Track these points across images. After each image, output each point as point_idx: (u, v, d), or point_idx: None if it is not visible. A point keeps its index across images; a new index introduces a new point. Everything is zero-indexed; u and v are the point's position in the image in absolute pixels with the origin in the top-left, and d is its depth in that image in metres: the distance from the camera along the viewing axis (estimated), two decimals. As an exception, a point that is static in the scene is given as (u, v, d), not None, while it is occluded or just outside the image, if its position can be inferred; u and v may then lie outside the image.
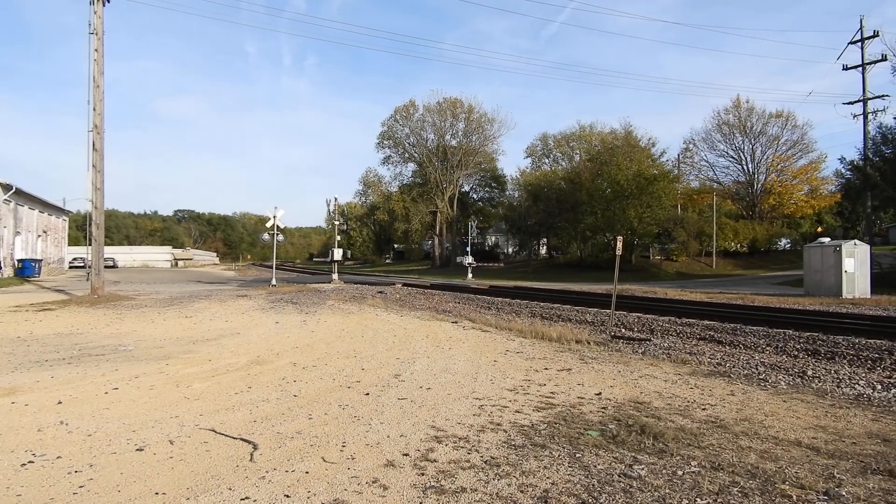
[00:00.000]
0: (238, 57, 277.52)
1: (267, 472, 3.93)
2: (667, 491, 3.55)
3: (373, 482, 3.73)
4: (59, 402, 5.96)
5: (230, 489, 3.62)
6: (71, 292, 22.15)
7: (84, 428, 5.03)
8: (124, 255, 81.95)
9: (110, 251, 62.64)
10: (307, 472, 3.92)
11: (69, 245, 57.74)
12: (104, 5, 19.21)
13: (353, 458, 4.20)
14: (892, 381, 6.98)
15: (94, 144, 18.83)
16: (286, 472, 3.93)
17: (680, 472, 3.87)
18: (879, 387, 6.66)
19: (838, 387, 6.75)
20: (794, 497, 3.44)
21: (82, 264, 58.74)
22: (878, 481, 3.73)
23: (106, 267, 23.85)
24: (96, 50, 18.84)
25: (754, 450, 4.37)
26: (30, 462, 4.15)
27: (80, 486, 3.69)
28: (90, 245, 20.58)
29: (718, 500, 3.40)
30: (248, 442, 4.59)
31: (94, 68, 18.78)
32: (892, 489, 3.59)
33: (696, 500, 3.40)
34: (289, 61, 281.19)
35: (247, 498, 3.48)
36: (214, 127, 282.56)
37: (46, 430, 4.98)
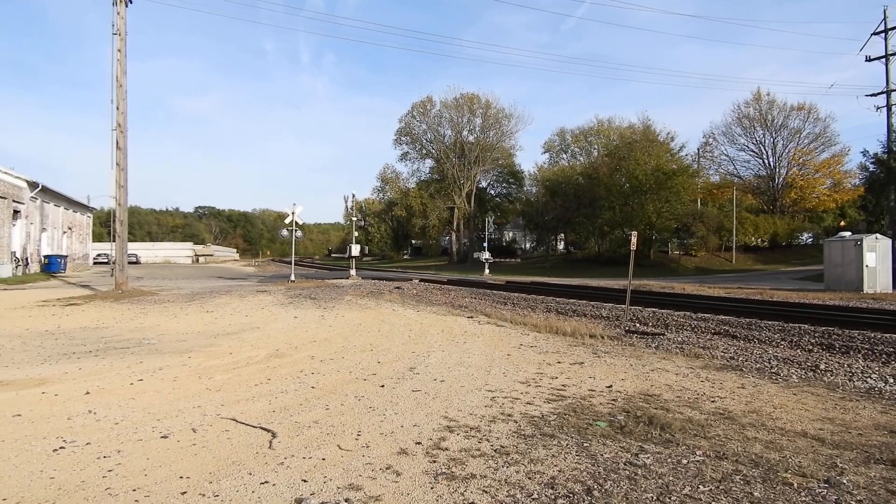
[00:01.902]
0: (257, 55, 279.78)
1: (285, 458, 4.10)
2: (671, 478, 3.65)
3: (386, 468, 3.88)
4: (87, 393, 6.19)
5: (250, 474, 3.79)
6: (96, 287, 22.67)
7: (111, 417, 5.24)
8: (146, 251, 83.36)
9: (133, 247, 63.75)
10: (324, 459, 4.08)
11: (93, 241, 58.84)
12: (126, 6, 19.58)
13: (367, 447, 4.35)
14: (905, 375, 6.98)
15: (117, 143, 19.23)
16: (304, 458, 4.10)
17: (684, 461, 3.97)
18: (892, 380, 6.68)
19: (850, 380, 6.78)
20: (795, 484, 3.53)
21: (106, 260, 59.83)
22: (880, 470, 3.80)
23: (129, 263, 24.35)
24: (119, 50, 19.22)
25: (760, 440, 4.45)
26: (61, 448, 4.36)
27: (109, 471, 3.88)
28: (114, 241, 21.03)
29: (720, 488, 3.50)
30: (268, 430, 4.77)
31: (118, 68, 19.16)
32: (893, 478, 3.66)
33: (698, 487, 3.50)
34: (307, 59, 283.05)
35: (266, 482, 3.65)
36: (234, 124, 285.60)
37: (75, 418, 5.20)
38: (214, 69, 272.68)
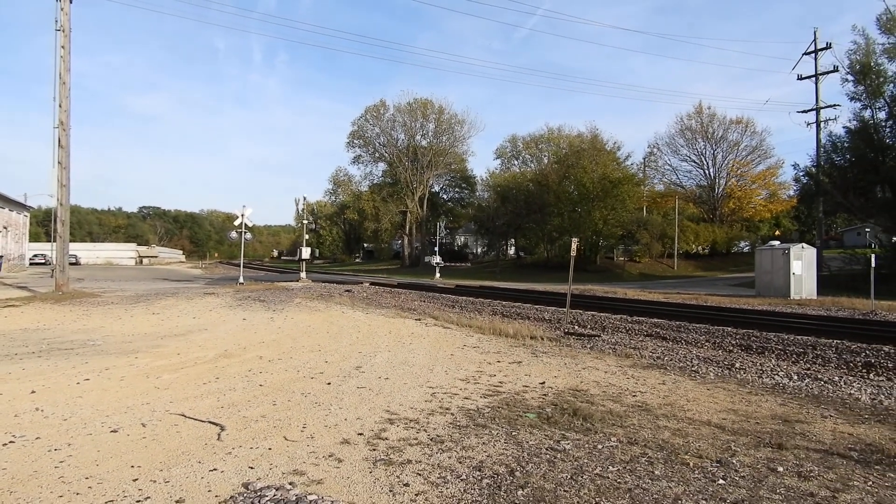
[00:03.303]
0: (208, 53, 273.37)
1: (233, 448, 4.36)
2: (585, 461, 4.09)
3: (329, 456, 4.19)
4: (33, 392, 6.25)
5: (200, 462, 4.04)
6: (34, 289, 21.99)
7: (59, 414, 5.36)
8: (87, 252, 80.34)
9: (73, 248, 61.42)
10: (270, 449, 4.36)
11: (30, 241, 56.50)
12: (70, 2, 19.17)
13: (312, 438, 4.65)
14: (808, 372, 7.70)
15: (59, 141, 18.78)
16: (251, 448, 4.36)
17: (600, 447, 4.43)
18: (796, 377, 7.36)
19: (760, 377, 7.43)
20: (692, 464, 4.02)
21: (43, 261, 57.57)
22: (766, 452, 4.35)
23: (69, 264, 23.69)
24: (63, 46, 18.79)
25: (669, 428, 4.95)
26: (10, 442, 4.49)
27: (61, 462, 4.06)
28: (54, 242, 20.48)
29: (627, 467, 3.96)
30: (216, 424, 5.00)
31: (61, 65, 18.73)
32: (775, 458, 4.20)
33: (608, 468, 3.95)
34: (259, 58, 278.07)
35: (215, 469, 3.91)
36: (182, 123, 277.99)
37: (23, 415, 5.30)
38: (162, 66, 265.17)
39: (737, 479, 3.78)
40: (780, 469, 3.97)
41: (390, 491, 3.56)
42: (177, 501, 3.38)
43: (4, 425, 4.95)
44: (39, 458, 4.14)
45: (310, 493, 3.49)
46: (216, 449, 4.35)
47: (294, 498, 3.41)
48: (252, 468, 3.94)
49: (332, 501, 3.38)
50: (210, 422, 5.08)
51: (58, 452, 4.26)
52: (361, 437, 4.67)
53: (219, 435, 4.69)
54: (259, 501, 3.36)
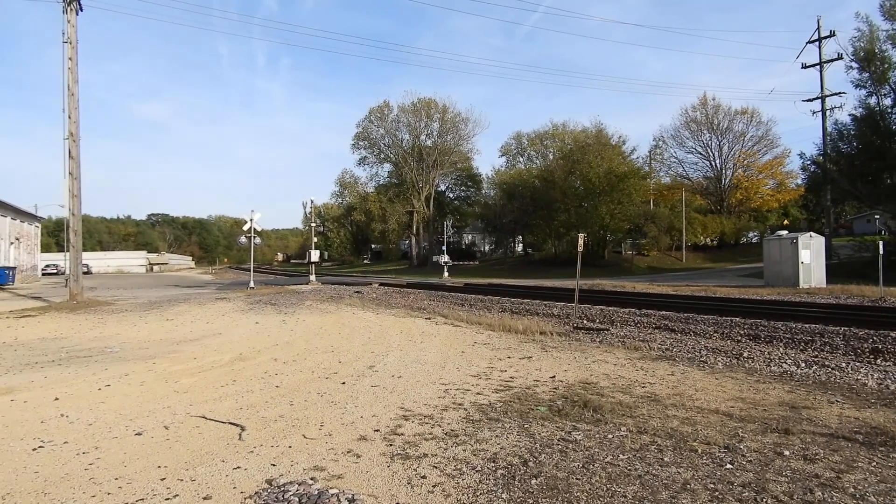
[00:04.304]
0: (211, 59, 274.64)
1: (255, 447, 4.50)
2: (596, 450, 4.21)
3: (347, 452, 4.33)
4: (56, 399, 6.43)
5: (223, 461, 4.19)
6: (49, 299, 22.29)
7: (84, 419, 5.53)
8: (98, 260, 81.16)
9: (84, 257, 62.05)
10: (290, 447, 4.50)
11: (42, 252, 57.05)
12: (77, 14, 19.43)
13: (330, 435, 4.79)
14: (816, 360, 7.77)
15: (70, 152, 19.04)
16: (272, 447, 4.51)
17: (610, 436, 4.54)
18: (804, 365, 7.44)
19: (768, 366, 7.51)
20: (700, 451, 4.14)
21: (55, 271, 58.26)
22: (774, 438, 4.45)
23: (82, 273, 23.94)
24: (70, 58, 19.04)
25: (678, 417, 5.06)
26: (40, 447, 4.66)
27: (90, 464, 4.22)
28: (67, 252, 20.77)
29: (637, 455, 4.08)
30: (236, 425, 5.15)
31: (69, 77, 18.98)
32: (782, 443, 4.31)
33: (619, 456, 4.07)
34: (262, 63, 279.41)
35: (238, 467, 4.06)
36: (188, 129, 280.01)
37: (49, 421, 5.47)
38: (166, 73, 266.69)
39: (744, 463, 3.89)
40: (787, 453, 4.08)
41: (408, 483, 3.69)
42: (204, 498, 3.53)
43: (32, 431, 5.12)
44: (69, 461, 4.30)
45: (331, 488, 3.63)
46: (238, 448, 4.49)
47: (316, 492, 3.56)
48: (274, 465, 4.09)
49: (353, 495, 3.52)
50: (230, 423, 5.23)
51: (86, 455, 4.41)
52: (378, 433, 4.80)
53: (240, 435, 4.84)
54: (283, 496, 3.51)
